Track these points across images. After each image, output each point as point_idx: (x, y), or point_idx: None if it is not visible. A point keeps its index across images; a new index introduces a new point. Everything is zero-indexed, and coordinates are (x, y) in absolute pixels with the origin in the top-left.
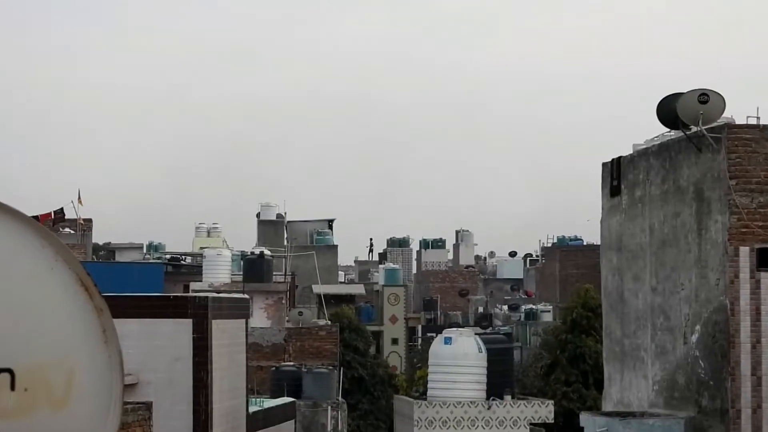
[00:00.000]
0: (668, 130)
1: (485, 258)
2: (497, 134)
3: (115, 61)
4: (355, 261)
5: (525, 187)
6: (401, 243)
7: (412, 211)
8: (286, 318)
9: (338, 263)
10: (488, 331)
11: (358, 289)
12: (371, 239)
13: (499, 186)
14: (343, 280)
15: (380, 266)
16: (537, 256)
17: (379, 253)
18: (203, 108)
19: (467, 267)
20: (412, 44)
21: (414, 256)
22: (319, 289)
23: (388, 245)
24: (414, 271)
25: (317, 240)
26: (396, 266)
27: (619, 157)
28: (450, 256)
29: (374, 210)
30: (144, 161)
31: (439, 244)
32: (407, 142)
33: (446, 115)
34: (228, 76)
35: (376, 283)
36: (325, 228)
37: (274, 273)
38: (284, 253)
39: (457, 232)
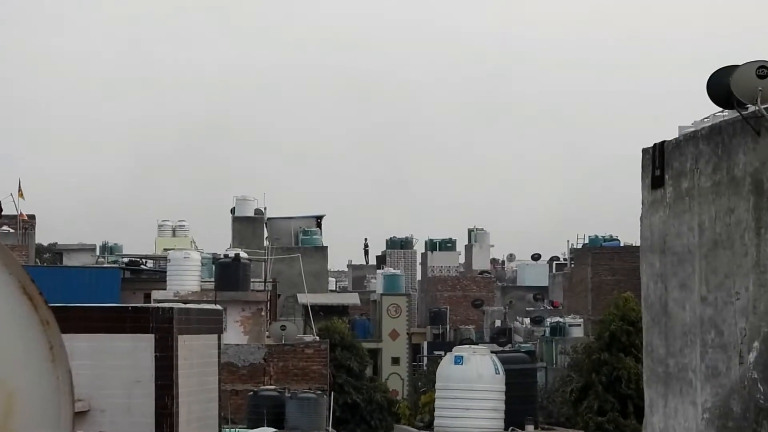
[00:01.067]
0: (721, 109)
1: (503, 262)
2: (519, 115)
3: (65, 24)
4: (348, 265)
5: (551, 177)
6: (403, 244)
7: (416, 205)
8: (267, 333)
9: (328, 268)
10: (507, 348)
11: (352, 299)
12: (366, 239)
13: (520, 176)
14: (334, 288)
15: (378, 271)
16: (565, 259)
17: (377, 256)
18: (171, 82)
19: (482, 273)
20: (422, 8)
21: (418, 259)
22: (306, 298)
23: (387, 246)
24: (418, 277)
25: (303, 240)
26: (397, 271)
27: (663, 142)
28: (461, 259)
29: (371, 204)
30: (98, 145)
31: (448, 245)
32: (412, 123)
33: (460, 91)
34: (200, 45)
35: (374, 291)
36: (313, 226)
37: (252, 279)
38: (264, 255)
39: (469, 231)
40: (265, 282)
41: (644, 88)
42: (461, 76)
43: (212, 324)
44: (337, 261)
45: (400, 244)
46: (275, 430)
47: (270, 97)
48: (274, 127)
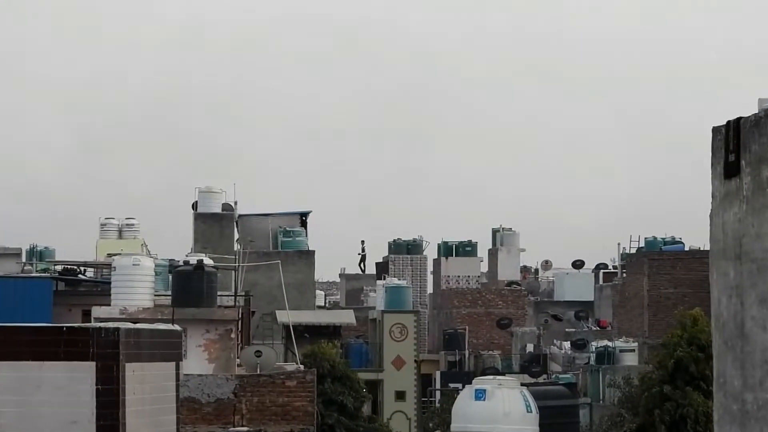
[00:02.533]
0: None
1: (537, 270)
2: (563, 82)
3: None
4: (341, 275)
5: (597, 163)
6: (410, 248)
7: (427, 198)
8: (237, 360)
9: (316, 278)
10: (541, 380)
11: (346, 317)
12: (363, 242)
13: (558, 163)
14: (322, 304)
15: (378, 282)
16: (615, 267)
17: (377, 264)
18: (121, 35)
19: (510, 284)
20: None
21: (430, 267)
22: (287, 316)
23: (390, 251)
24: (429, 289)
25: (284, 243)
26: (402, 282)
27: (739, 119)
28: (484, 267)
29: (370, 198)
30: (23, 118)
31: (467, 249)
32: (428, 95)
33: (490, 54)
34: None
35: (373, 308)
36: (296, 225)
37: (219, 293)
38: (234, 262)
39: (494, 232)
40: (235, 296)
41: (722, 54)
42: (496, 33)
43: (169, 349)
44: (326, 269)
45: (406, 248)
46: None
47: (248, 60)
48: (254, 100)
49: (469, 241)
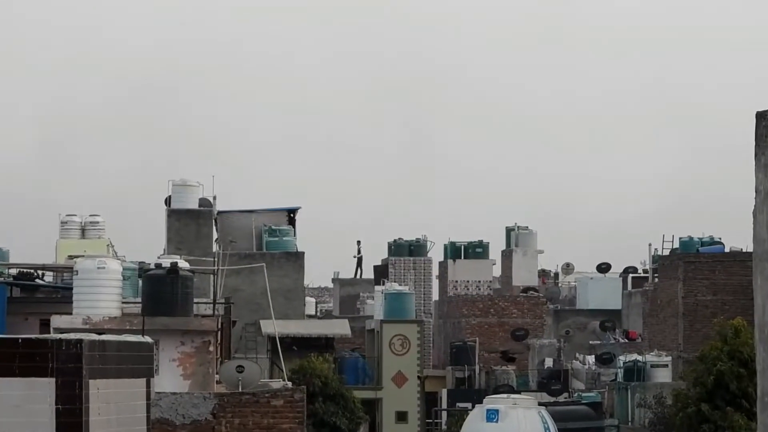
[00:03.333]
0: None
1: (557, 275)
2: (587, 52)
3: None
4: (334, 279)
5: (625, 154)
6: (413, 249)
7: (432, 194)
8: (217, 377)
9: (306, 283)
10: (562, 399)
11: (340, 328)
12: (359, 243)
13: (581, 150)
14: (313, 313)
15: (377, 288)
16: (645, 270)
17: (376, 267)
18: (92, 11)
19: (526, 290)
20: None
21: (435, 270)
22: (273, 327)
23: (390, 252)
24: (435, 296)
25: (270, 244)
26: (404, 288)
27: None
28: (496, 271)
29: (368, 192)
30: None
31: (477, 250)
32: (434, 74)
33: (509, 23)
34: None
35: (371, 317)
36: (283, 223)
37: (196, 300)
38: (213, 265)
39: (508, 231)
40: (214, 303)
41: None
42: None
43: (139, 363)
44: (318, 273)
45: (408, 249)
46: None
47: (231, 33)
48: (232, 80)
49: (480, 242)
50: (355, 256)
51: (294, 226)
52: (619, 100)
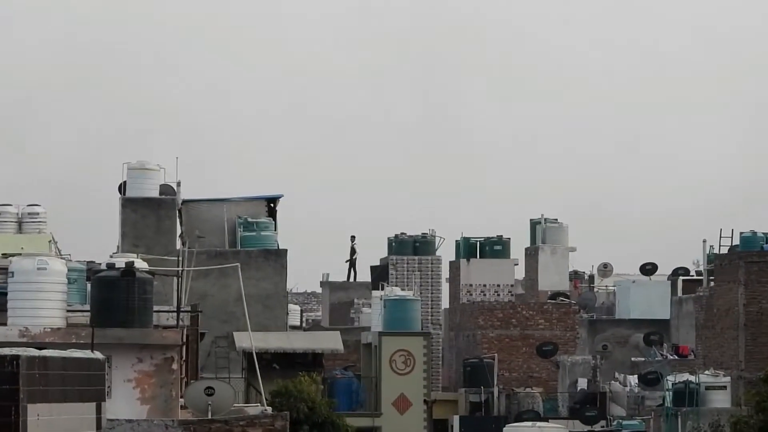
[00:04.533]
0: None
1: (592, 277)
2: (615, 24)
3: None
4: (323, 283)
5: (674, 130)
6: (418, 246)
7: (441, 178)
8: (181, 401)
9: (289, 288)
10: (599, 428)
11: (330, 342)
12: (354, 238)
13: (619, 129)
14: (298, 323)
15: (375, 294)
16: (698, 272)
17: (373, 267)
18: None
19: (555, 296)
20: None
21: (445, 272)
22: (250, 340)
23: (391, 251)
24: (445, 303)
25: (246, 239)
26: (407, 294)
27: None
28: (519, 273)
29: (363, 178)
30: None
31: (496, 248)
32: (446, 28)
33: None
34: None
35: (367, 328)
36: (262, 215)
37: (156, 308)
38: (176, 265)
39: (534, 225)
40: (178, 312)
41: None
42: None
43: (87, 385)
44: (304, 275)
45: (412, 247)
46: None
47: None
48: (204, 40)
49: (499, 237)
50: (348, 261)
51: (275, 219)
52: (678, 70)
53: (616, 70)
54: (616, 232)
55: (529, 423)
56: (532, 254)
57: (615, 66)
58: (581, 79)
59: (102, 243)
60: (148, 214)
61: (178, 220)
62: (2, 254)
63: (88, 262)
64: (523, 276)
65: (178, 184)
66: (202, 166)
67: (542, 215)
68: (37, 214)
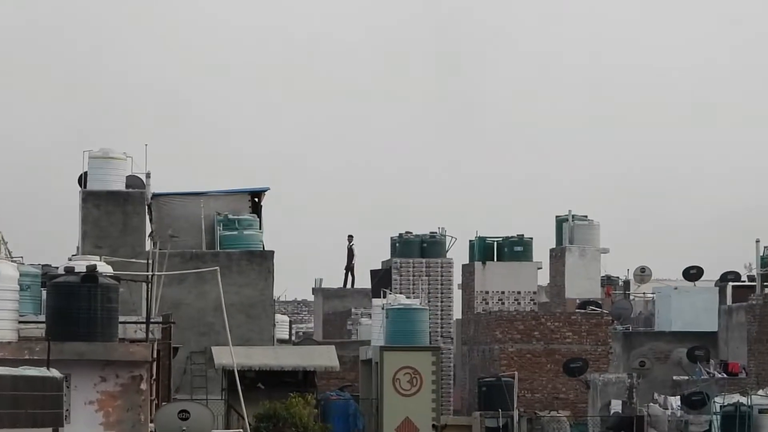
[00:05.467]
0: None
1: (627, 283)
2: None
3: None
4: (315, 289)
5: (720, 110)
6: (426, 247)
7: (455, 168)
8: (152, 426)
9: (276, 295)
10: None
11: (323, 358)
12: (351, 238)
13: (658, 109)
14: (287, 337)
15: (376, 302)
16: (751, 277)
17: (374, 272)
18: None
19: (585, 304)
20: None
21: (457, 278)
22: (231, 356)
23: (394, 252)
24: (457, 313)
25: (225, 239)
26: (414, 302)
27: None
28: (543, 278)
29: (363, 168)
30: None
31: (517, 249)
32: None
33: None
34: None
35: (366, 342)
36: (245, 211)
37: (122, 318)
38: (146, 269)
39: (560, 222)
40: (147, 323)
41: None
42: None
43: (43, 407)
44: (293, 280)
45: (419, 248)
46: None
47: None
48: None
49: (520, 237)
50: (346, 268)
51: (260, 215)
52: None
53: (666, 59)
54: (655, 230)
55: None
56: (558, 256)
57: (666, 54)
58: (623, 67)
59: (59, 243)
60: (112, 209)
61: (147, 217)
62: None
63: (43, 265)
64: (548, 282)
65: (148, 175)
66: (176, 154)
67: (570, 211)
68: None
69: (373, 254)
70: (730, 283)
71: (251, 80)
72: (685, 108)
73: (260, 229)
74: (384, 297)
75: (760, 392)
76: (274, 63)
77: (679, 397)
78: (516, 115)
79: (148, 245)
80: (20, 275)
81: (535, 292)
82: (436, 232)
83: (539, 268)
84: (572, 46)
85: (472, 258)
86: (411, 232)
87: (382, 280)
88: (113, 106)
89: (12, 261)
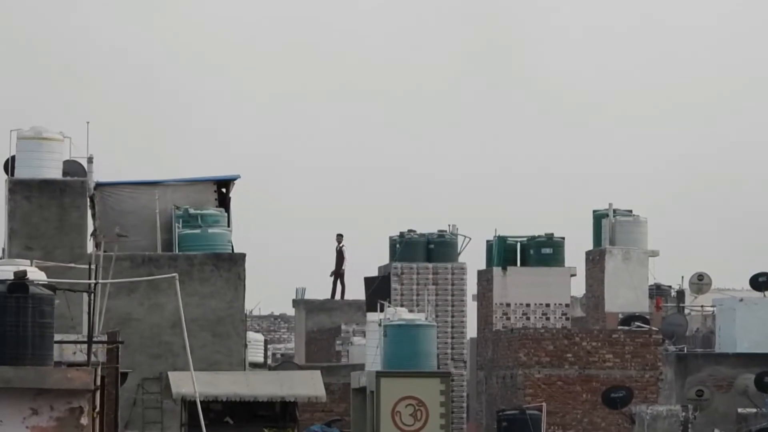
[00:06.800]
0: None
1: (681, 293)
2: None
3: None
4: (296, 301)
5: None
6: (433, 249)
7: (470, 153)
8: None
9: (248, 309)
10: None
11: (307, 385)
12: (341, 237)
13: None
14: (261, 359)
15: (370, 316)
16: None
17: (368, 279)
18: None
19: (629, 320)
20: None
21: (471, 287)
22: (192, 384)
23: (393, 255)
24: (472, 331)
25: (186, 239)
26: (418, 317)
27: None
28: (578, 287)
29: (355, 152)
30: None
31: (545, 251)
32: None
33: None
34: None
35: (360, 366)
36: (211, 204)
37: (59, 337)
38: (87, 276)
39: (597, 219)
40: (89, 343)
41: None
42: None
43: None
44: (269, 289)
45: (425, 250)
46: None
47: None
48: None
49: (549, 237)
50: (334, 274)
51: (228, 210)
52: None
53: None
54: (716, 229)
55: None
56: (596, 260)
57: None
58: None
59: None
60: (46, 203)
61: (89, 212)
62: None
63: None
64: (584, 292)
65: (90, 159)
66: (125, 134)
67: (610, 205)
68: None
69: (368, 258)
70: None
71: (231, 43)
72: (743, 84)
73: (228, 226)
74: (381, 311)
75: None
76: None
77: None
78: (550, 92)
79: (91, 246)
80: None
81: (567, 305)
82: (445, 231)
83: (573, 275)
84: (620, 20)
85: (489, 262)
86: (414, 231)
87: (378, 289)
88: (49, 76)
89: None
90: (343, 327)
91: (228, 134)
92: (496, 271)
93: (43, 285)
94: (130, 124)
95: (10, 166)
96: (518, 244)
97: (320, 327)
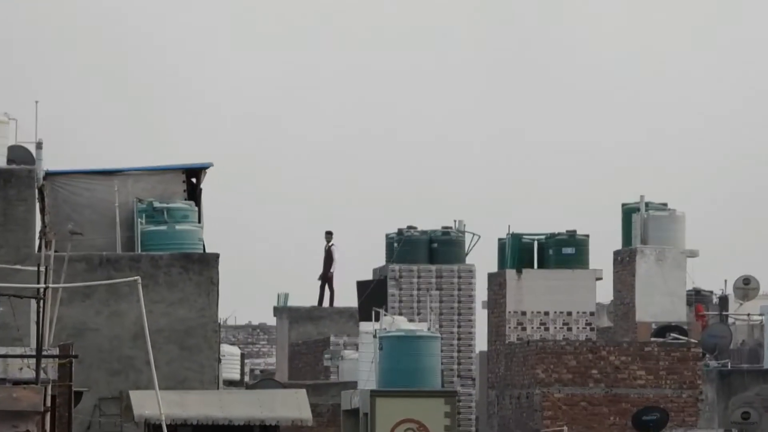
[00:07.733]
0: None
1: (724, 300)
2: None
3: None
4: (278, 309)
5: None
6: (436, 248)
7: (480, 136)
8: None
9: (221, 318)
10: None
11: (290, 406)
12: (331, 235)
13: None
14: (238, 377)
15: (364, 326)
16: None
17: (361, 284)
18: None
19: (663, 330)
20: None
21: (482, 293)
22: (157, 404)
23: (390, 256)
24: (482, 344)
25: (150, 237)
26: (420, 327)
27: None
28: (604, 293)
29: (346, 136)
30: None
31: (566, 252)
32: None
33: None
34: None
35: (352, 384)
36: (177, 197)
37: (1, 350)
38: (36, 280)
39: (627, 213)
40: (38, 358)
41: None
42: None
43: None
44: (246, 295)
45: (427, 249)
46: None
47: None
48: None
49: (571, 234)
50: (322, 278)
51: (199, 204)
52: None
53: None
54: (763, 225)
55: None
56: (625, 262)
57: None
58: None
59: None
60: None
61: (38, 206)
62: None
63: None
64: (611, 298)
65: (39, 145)
66: (79, 116)
67: (642, 197)
68: None
69: (362, 258)
70: None
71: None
72: None
73: (199, 222)
74: (376, 320)
75: None
76: None
77: None
78: (559, 64)
79: (41, 246)
80: None
81: (592, 313)
82: (450, 228)
83: (599, 279)
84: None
85: (502, 264)
86: (415, 228)
87: (373, 295)
88: None
89: None
90: (332, 339)
91: (200, 116)
92: (510, 274)
93: None
94: (85, 104)
95: None
96: (535, 243)
97: (305, 339)
